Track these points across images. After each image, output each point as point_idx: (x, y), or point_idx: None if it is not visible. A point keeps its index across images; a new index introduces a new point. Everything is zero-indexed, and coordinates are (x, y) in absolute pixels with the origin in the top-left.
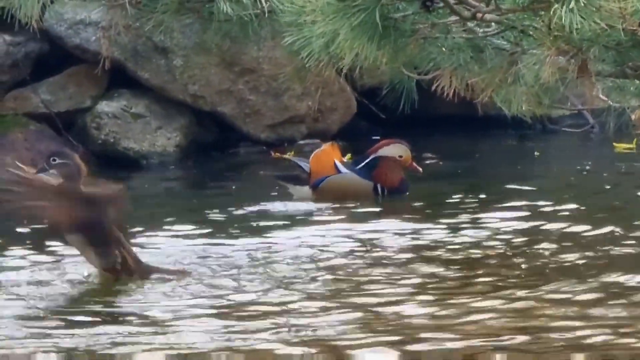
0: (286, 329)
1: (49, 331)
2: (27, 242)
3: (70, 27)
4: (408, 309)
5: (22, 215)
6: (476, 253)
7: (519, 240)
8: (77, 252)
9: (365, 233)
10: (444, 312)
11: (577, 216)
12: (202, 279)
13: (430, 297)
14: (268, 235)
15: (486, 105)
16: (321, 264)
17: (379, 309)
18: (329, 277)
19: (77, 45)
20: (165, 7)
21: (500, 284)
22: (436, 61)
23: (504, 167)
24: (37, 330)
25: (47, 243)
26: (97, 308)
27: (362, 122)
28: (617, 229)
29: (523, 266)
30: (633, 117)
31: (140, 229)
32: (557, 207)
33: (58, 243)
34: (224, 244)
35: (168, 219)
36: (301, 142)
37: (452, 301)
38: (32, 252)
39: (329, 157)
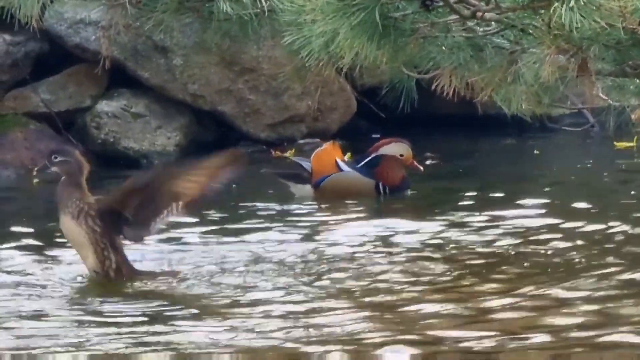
0: (288, 329)
1: (47, 331)
2: (25, 242)
3: (70, 27)
4: (424, 307)
5: None
6: (485, 251)
7: (527, 238)
8: (75, 253)
9: (369, 232)
10: (460, 311)
11: (585, 214)
12: (203, 278)
13: (446, 296)
14: (269, 234)
15: (486, 105)
16: (325, 263)
17: (393, 308)
18: (335, 276)
19: (77, 44)
20: (165, 6)
21: (514, 282)
22: (436, 60)
23: (504, 166)
24: (36, 330)
25: (44, 243)
26: (97, 308)
27: (362, 122)
28: (628, 226)
29: (535, 264)
30: (633, 116)
31: None
32: (563, 205)
33: (55, 243)
34: (224, 243)
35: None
36: (301, 141)
37: (467, 299)
38: (30, 252)
39: (330, 155)
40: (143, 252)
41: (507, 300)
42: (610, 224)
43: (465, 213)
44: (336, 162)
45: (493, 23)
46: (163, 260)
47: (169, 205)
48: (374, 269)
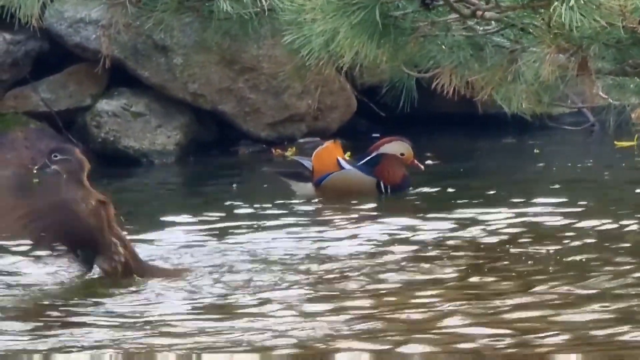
0: (291, 329)
1: (47, 331)
2: (24, 241)
3: (71, 26)
4: (441, 307)
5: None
6: (490, 250)
7: (532, 236)
8: (78, 253)
9: (371, 230)
10: (471, 310)
11: (589, 212)
12: (204, 277)
13: (461, 295)
14: (270, 233)
15: (486, 104)
16: (328, 262)
17: (400, 308)
18: (338, 275)
19: (77, 43)
20: (165, 5)
21: (528, 280)
22: (436, 59)
23: (505, 165)
24: (35, 330)
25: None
26: (97, 307)
27: (362, 121)
28: (637, 225)
29: (547, 262)
30: (633, 114)
31: (140, 227)
32: (566, 204)
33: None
34: (225, 242)
35: (168, 217)
36: (301, 140)
37: (476, 298)
38: (29, 251)
39: (331, 154)
40: (144, 251)
41: (522, 300)
42: (620, 222)
43: (468, 212)
44: (337, 160)
45: (493, 22)
46: (164, 260)
47: None
48: (378, 268)
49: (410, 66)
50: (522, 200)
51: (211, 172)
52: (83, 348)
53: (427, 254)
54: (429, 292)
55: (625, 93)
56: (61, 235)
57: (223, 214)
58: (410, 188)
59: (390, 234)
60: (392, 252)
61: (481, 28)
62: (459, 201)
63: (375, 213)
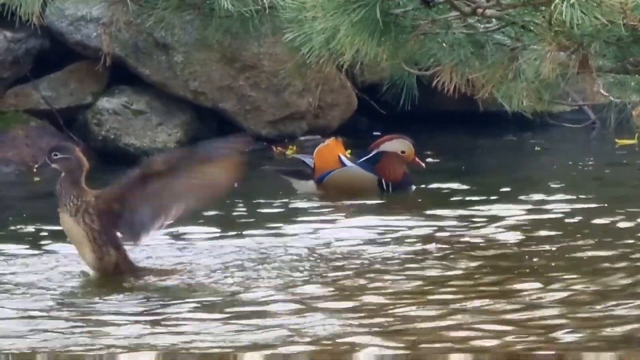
0: (292, 328)
1: (46, 331)
2: (23, 239)
3: (72, 24)
4: (452, 305)
5: None
6: (503, 248)
7: (540, 233)
8: (74, 250)
9: (374, 228)
10: (498, 306)
11: (598, 209)
12: (202, 276)
13: (481, 291)
14: (271, 231)
15: (487, 101)
16: (331, 261)
17: (417, 306)
18: (340, 273)
19: (78, 41)
20: (166, 3)
21: (544, 277)
22: (437, 57)
23: (506, 162)
24: (34, 330)
25: (43, 241)
26: (96, 307)
27: (363, 118)
28: None
29: (556, 259)
30: (634, 112)
31: None
32: (569, 201)
33: (55, 240)
34: (225, 241)
35: None
36: (302, 138)
37: (484, 297)
38: (28, 249)
39: (333, 151)
40: (143, 250)
41: (540, 296)
42: (630, 218)
43: (472, 209)
44: (339, 157)
45: (494, 20)
46: (163, 258)
47: (179, 199)
48: (382, 265)
49: (411, 64)
50: (526, 197)
51: None
52: (79, 347)
53: (433, 252)
54: (438, 290)
55: (626, 91)
56: None
57: (223, 212)
58: (413, 187)
59: (393, 232)
60: (397, 250)
61: (482, 26)
62: (461, 198)
63: (377, 210)
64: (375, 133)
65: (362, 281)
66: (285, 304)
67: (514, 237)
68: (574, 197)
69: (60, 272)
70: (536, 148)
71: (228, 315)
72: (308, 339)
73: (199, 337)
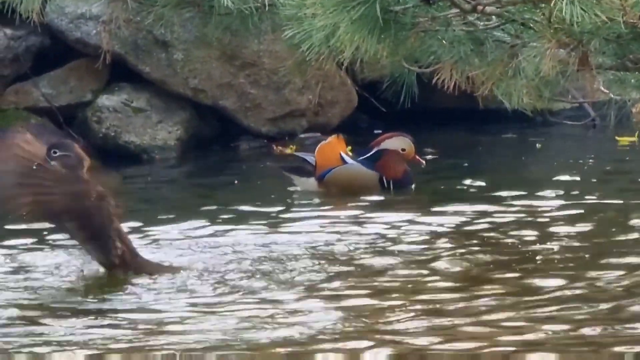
0: (293, 327)
1: (45, 330)
2: (23, 237)
3: (71, 21)
4: (459, 304)
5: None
6: (504, 245)
7: (542, 230)
8: (77, 246)
9: (376, 225)
10: (510, 301)
11: (599, 208)
12: (204, 274)
13: (494, 288)
14: (272, 228)
15: (487, 99)
16: (333, 259)
17: (420, 305)
18: (343, 272)
19: (78, 39)
20: (166, 0)
21: (547, 274)
22: (437, 54)
23: (507, 160)
24: (34, 329)
25: (45, 238)
26: (99, 304)
27: (363, 116)
28: None
29: (560, 255)
30: (634, 109)
31: (140, 223)
32: (571, 198)
33: (56, 237)
34: (226, 239)
35: (169, 214)
36: (302, 135)
37: (505, 294)
38: (28, 248)
39: (334, 149)
40: (143, 247)
41: (551, 293)
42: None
43: (473, 207)
44: (340, 155)
45: (494, 17)
46: (163, 255)
47: None
48: (385, 264)
49: (411, 61)
50: (526, 194)
51: (212, 167)
52: (79, 347)
53: (435, 250)
54: (441, 286)
55: (626, 88)
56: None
57: (224, 209)
58: (413, 186)
59: (395, 229)
60: (398, 247)
61: (482, 23)
62: (462, 196)
63: (379, 208)
64: (375, 131)
65: (363, 278)
66: (286, 302)
67: (515, 234)
68: (575, 193)
69: (59, 270)
70: (537, 145)
71: (228, 313)
72: (309, 338)
73: (198, 336)
